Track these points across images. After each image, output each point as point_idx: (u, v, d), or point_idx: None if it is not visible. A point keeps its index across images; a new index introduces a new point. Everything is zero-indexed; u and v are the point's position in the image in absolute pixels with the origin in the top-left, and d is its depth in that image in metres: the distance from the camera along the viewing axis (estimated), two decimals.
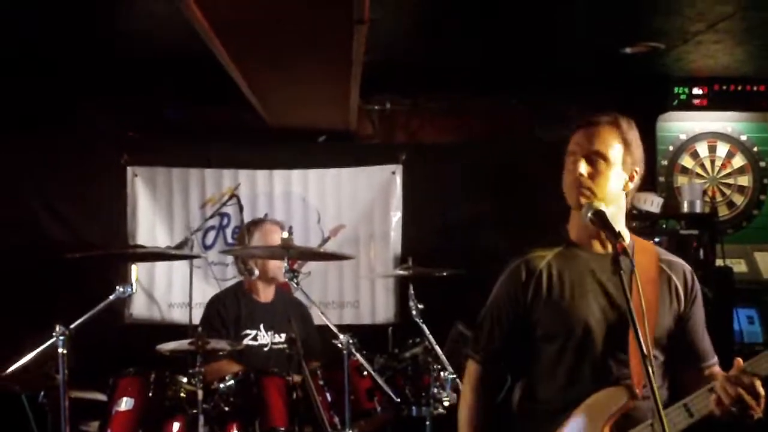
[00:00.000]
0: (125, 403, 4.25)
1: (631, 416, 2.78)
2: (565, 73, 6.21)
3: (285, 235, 4.21)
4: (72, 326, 4.24)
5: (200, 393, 4.10)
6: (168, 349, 4.33)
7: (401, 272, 5.03)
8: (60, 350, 4.17)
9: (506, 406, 3.08)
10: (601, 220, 2.73)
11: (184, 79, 6.20)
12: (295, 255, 4.38)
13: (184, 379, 4.33)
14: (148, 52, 5.71)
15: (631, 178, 2.90)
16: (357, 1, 2.99)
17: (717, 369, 2.98)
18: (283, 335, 5.15)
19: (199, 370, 4.13)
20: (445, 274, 4.90)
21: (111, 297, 4.44)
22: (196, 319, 5.55)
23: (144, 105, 6.54)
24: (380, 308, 6.42)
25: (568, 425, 2.79)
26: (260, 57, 4.08)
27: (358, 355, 4.12)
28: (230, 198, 5.39)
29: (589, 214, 2.75)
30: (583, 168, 2.83)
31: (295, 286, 4.27)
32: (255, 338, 5.10)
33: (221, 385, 4.30)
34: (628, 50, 5.48)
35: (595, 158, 2.84)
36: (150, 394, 4.27)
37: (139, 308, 6.28)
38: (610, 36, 5.33)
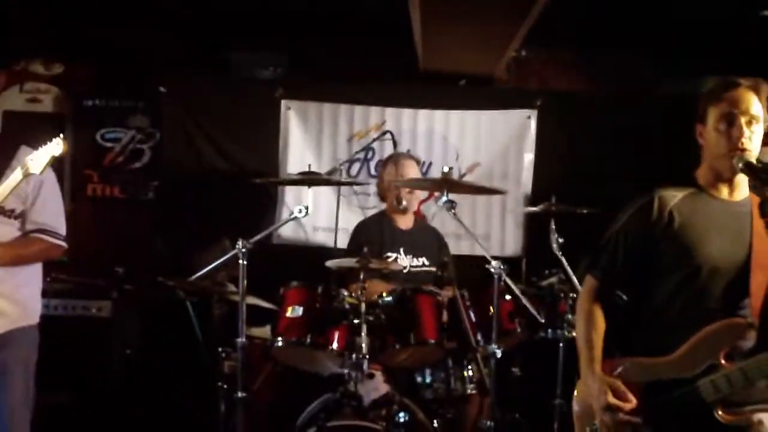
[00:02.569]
0: (294, 311, 4.70)
1: (737, 347, 3.14)
2: (696, 30, 6.40)
3: (445, 169, 4.67)
4: (252, 240, 4.79)
5: (363, 305, 4.53)
6: (336, 264, 4.82)
7: (542, 208, 5.36)
8: (241, 261, 4.66)
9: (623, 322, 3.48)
10: (752, 170, 3.10)
11: (336, 21, 6.62)
12: (454, 188, 4.83)
13: (345, 293, 4.78)
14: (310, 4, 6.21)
15: (766, 135, 3.24)
16: None
17: None
18: (422, 259, 5.62)
19: (362, 285, 4.58)
20: (585, 211, 5.26)
21: (289, 217, 4.96)
22: (340, 243, 6.09)
23: (298, 45, 7.00)
24: (509, 242, 6.82)
25: (691, 342, 3.12)
26: (449, 7, 4.47)
27: (508, 280, 4.58)
28: (384, 134, 5.81)
29: (740, 165, 3.10)
30: (745, 130, 3.13)
31: (453, 215, 4.75)
32: (395, 261, 5.52)
33: (380, 300, 4.73)
34: (766, 13, 5.73)
35: (751, 120, 3.15)
36: (317, 305, 4.71)
37: (286, 230, 6.74)
38: None
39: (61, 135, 3.69)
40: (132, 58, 6.99)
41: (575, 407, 3.46)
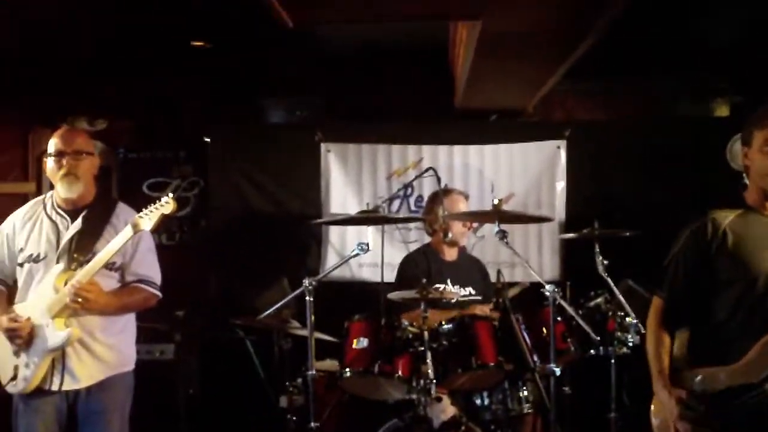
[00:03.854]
0: (360, 342, 4.96)
1: None
2: (708, 53, 6.73)
3: (495, 201, 4.96)
4: (317, 278, 5.06)
5: (426, 334, 4.77)
6: (399, 297, 5.05)
7: (585, 233, 5.56)
8: (308, 298, 4.91)
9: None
10: None
11: (373, 68, 7.06)
12: (505, 218, 5.10)
13: (406, 323, 5.02)
14: (344, 48, 6.49)
15: None
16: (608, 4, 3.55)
17: None
18: (468, 288, 5.88)
19: (424, 314, 4.83)
20: (627, 234, 5.53)
21: (351, 254, 5.25)
22: (386, 278, 6.30)
23: (336, 91, 7.42)
24: (547, 267, 7.07)
25: (755, 349, 3.33)
26: (499, 56, 4.75)
27: (563, 302, 4.86)
28: (426, 170, 6.07)
29: None
30: None
31: (505, 244, 5.00)
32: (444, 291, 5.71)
33: (440, 328, 4.96)
34: None
35: None
36: (381, 336, 4.97)
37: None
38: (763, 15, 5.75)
39: (171, 194, 4.00)
40: (171, 111, 7.33)
41: (653, 420, 3.70)
